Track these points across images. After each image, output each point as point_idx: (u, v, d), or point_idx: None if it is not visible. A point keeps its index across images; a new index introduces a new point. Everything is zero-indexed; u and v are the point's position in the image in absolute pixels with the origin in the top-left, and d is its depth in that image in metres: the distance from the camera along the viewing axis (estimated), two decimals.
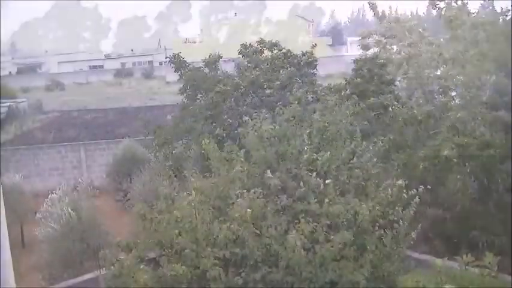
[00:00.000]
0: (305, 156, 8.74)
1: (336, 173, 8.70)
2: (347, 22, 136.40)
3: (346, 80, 14.02)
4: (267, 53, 16.14)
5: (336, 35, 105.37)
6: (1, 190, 7.35)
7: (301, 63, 15.77)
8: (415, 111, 12.62)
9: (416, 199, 8.28)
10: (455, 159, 11.68)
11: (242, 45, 16.30)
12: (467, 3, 14.69)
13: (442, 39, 15.00)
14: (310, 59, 15.84)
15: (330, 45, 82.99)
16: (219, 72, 15.88)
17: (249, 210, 7.99)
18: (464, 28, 13.95)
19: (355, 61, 14.74)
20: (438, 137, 12.19)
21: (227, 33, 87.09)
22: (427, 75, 14.24)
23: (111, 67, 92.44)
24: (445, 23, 14.14)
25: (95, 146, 29.28)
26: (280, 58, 15.76)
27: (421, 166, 11.89)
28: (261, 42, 16.17)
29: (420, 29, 15.15)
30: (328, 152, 8.79)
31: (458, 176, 11.94)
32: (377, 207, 8.22)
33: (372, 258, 7.97)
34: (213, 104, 14.86)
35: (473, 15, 14.41)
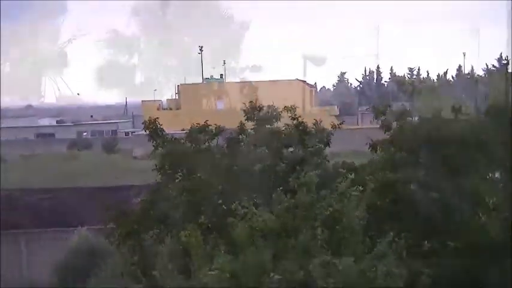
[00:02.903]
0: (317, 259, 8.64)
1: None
2: (358, 87, 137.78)
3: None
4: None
5: (343, 103, 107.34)
6: None
7: (317, 140, 15.83)
8: None
9: None
10: None
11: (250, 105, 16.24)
12: None
13: None
14: (325, 137, 15.96)
15: (336, 115, 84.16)
16: (205, 146, 15.97)
17: None
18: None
19: (371, 145, 15.19)
20: None
21: (211, 97, 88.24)
22: None
23: (64, 136, 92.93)
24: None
25: (40, 235, 28.99)
26: (289, 131, 15.81)
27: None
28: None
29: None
30: (352, 259, 8.79)
31: None
32: None
33: None
34: (198, 187, 14.84)
35: None
